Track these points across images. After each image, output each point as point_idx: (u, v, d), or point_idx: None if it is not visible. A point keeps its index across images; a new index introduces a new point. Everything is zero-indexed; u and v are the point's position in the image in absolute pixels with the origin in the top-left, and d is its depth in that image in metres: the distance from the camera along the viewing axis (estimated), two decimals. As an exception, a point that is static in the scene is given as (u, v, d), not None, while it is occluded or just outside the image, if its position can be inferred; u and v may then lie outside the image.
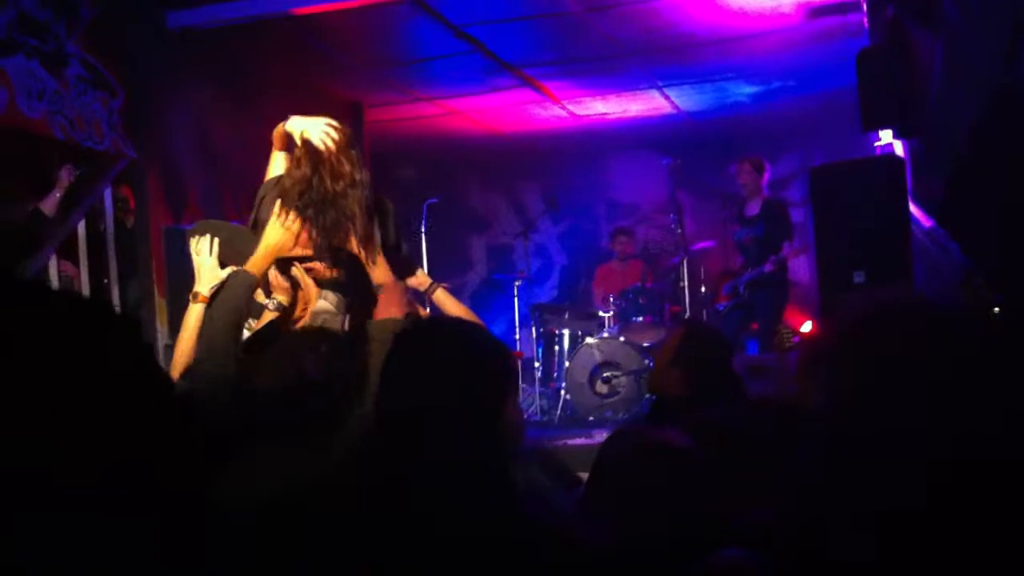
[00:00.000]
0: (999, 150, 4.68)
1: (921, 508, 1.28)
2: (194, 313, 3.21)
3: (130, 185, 6.59)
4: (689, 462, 1.89)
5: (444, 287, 3.57)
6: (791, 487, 1.55)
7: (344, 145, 3.14)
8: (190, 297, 3.28)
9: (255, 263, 3.13)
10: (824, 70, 8.08)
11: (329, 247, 3.13)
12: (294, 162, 3.19)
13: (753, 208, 7.83)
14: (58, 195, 5.85)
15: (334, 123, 3.18)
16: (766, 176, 7.90)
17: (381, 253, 3.25)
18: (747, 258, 7.82)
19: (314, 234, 3.12)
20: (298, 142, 3.17)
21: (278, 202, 3.17)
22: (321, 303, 3.01)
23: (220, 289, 3.19)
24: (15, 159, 6.01)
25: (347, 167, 3.12)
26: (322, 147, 3.11)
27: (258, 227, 3.29)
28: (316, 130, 3.14)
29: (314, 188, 3.11)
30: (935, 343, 1.33)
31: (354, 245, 3.14)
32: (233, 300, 3.07)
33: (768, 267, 7.48)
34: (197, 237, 3.35)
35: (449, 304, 3.51)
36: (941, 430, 1.28)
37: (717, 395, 2.91)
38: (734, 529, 1.72)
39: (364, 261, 3.16)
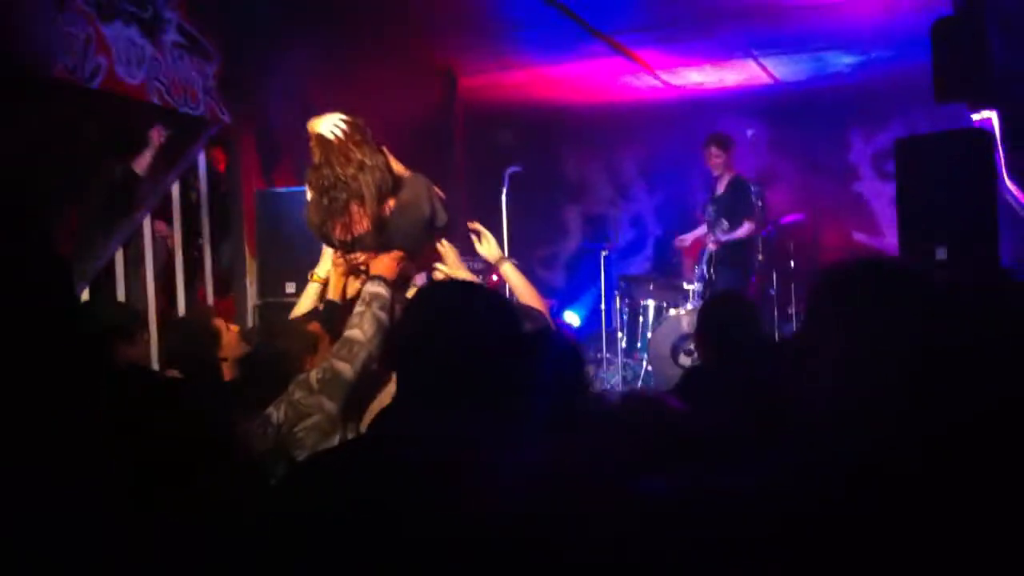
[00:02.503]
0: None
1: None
2: (310, 291, 3.63)
3: (224, 149, 6.81)
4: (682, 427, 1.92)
5: (512, 262, 3.71)
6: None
7: (351, 133, 3.43)
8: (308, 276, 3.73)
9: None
10: (925, 39, 7.83)
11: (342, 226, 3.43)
12: (311, 154, 3.50)
13: (722, 186, 7.85)
14: (149, 155, 6.09)
15: (344, 116, 3.48)
16: (733, 151, 7.90)
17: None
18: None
19: (326, 215, 3.43)
20: (312, 138, 3.46)
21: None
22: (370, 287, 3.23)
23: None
24: (111, 121, 6.27)
25: (356, 154, 3.39)
26: (331, 137, 3.40)
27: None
28: (327, 124, 3.43)
29: (325, 175, 3.39)
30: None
31: (365, 224, 3.40)
32: None
33: (722, 236, 7.55)
34: None
35: (513, 278, 3.64)
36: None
37: (741, 363, 2.92)
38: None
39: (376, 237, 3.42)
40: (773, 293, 7.85)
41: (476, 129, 9.80)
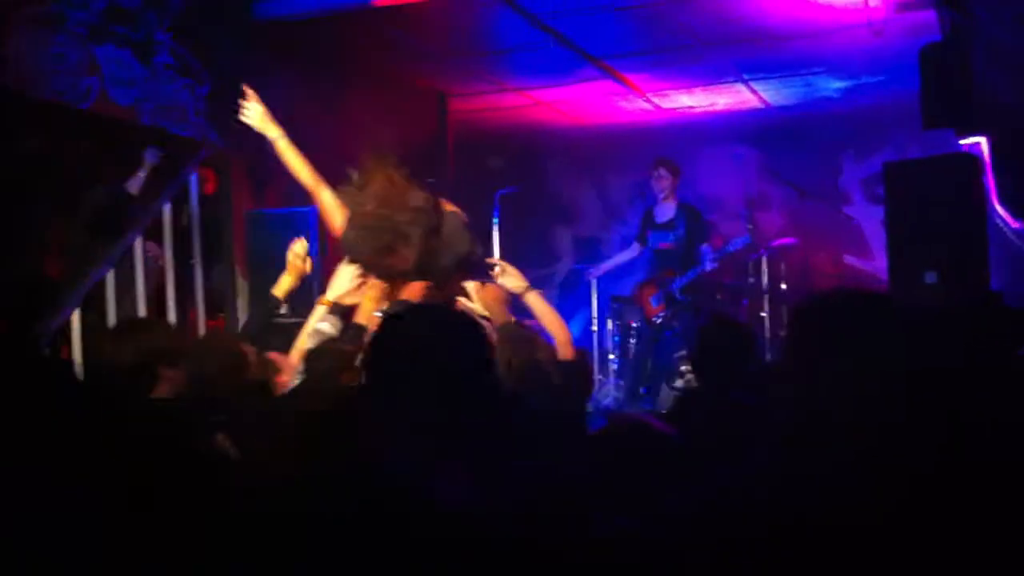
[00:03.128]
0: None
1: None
2: (316, 313, 3.89)
3: (215, 171, 6.81)
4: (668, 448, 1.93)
5: (538, 292, 3.89)
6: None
7: (405, 179, 3.93)
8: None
9: None
10: (914, 64, 7.88)
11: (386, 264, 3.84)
12: (360, 191, 4.04)
13: (667, 212, 7.71)
14: (143, 176, 6.08)
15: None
16: (680, 179, 7.80)
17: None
18: (668, 264, 7.71)
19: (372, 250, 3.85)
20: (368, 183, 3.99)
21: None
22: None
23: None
24: (103, 142, 6.26)
25: (412, 200, 3.86)
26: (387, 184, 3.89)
27: None
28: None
29: (379, 215, 3.88)
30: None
31: (410, 259, 3.83)
32: None
33: (708, 265, 7.48)
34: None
35: (539, 307, 3.79)
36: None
37: (737, 388, 2.91)
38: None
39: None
40: (765, 315, 7.85)
41: (467, 152, 9.81)
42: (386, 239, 3.80)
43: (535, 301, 3.77)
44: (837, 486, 1.51)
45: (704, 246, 7.59)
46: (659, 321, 7.77)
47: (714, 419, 2.20)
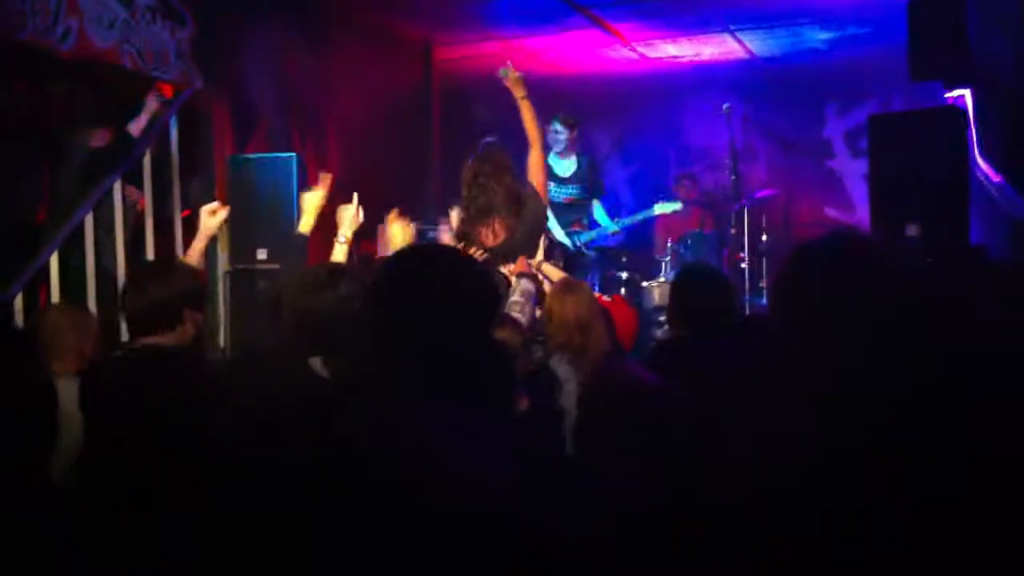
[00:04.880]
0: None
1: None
2: (337, 253, 4.00)
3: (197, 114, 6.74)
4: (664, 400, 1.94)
5: (551, 263, 4.63)
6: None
7: (504, 159, 4.77)
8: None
9: None
10: (902, 18, 7.86)
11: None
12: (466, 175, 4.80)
13: (568, 166, 7.51)
14: (145, 120, 6.01)
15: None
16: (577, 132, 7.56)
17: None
18: (568, 217, 7.51)
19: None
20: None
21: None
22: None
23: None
24: (98, 86, 6.20)
25: (505, 179, 4.66)
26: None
27: None
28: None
29: (477, 194, 4.64)
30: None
31: (503, 234, 4.58)
32: None
33: (609, 236, 7.62)
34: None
35: (553, 275, 4.39)
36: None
37: (715, 334, 2.92)
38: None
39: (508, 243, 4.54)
40: (745, 267, 7.87)
41: (453, 101, 9.74)
42: (484, 213, 4.56)
43: (549, 269, 4.45)
44: (831, 454, 1.48)
45: (595, 205, 7.59)
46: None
47: (694, 369, 2.20)
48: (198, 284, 3.30)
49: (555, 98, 10.97)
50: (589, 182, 7.53)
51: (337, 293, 2.68)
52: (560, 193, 7.45)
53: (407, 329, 1.74)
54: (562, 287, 3.88)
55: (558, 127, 7.35)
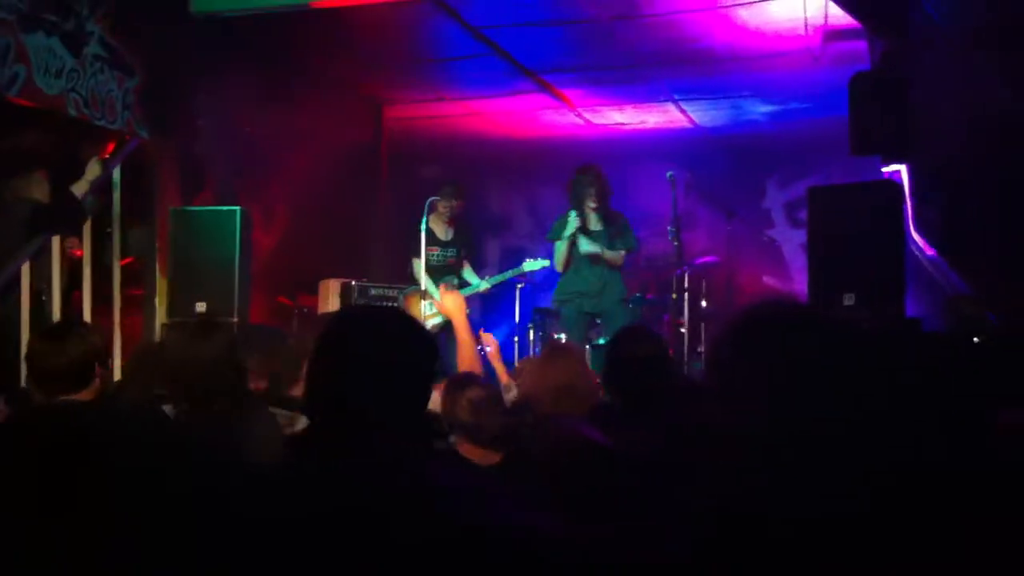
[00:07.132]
0: (992, 176, 4.70)
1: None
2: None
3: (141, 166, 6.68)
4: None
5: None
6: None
7: None
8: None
9: None
10: (843, 94, 8.07)
11: None
12: None
13: (449, 231, 7.91)
14: (86, 186, 5.87)
15: None
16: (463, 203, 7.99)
17: None
18: (443, 277, 7.79)
19: None
20: None
21: None
22: None
23: None
24: (38, 136, 6.11)
25: None
26: None
27: None
28: None
29: None
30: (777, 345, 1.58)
31: None
32: None
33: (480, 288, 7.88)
34: None
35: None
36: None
37: (651, 403, 2.86)
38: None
39: None
40: (684, 331, 7.93)
41: (401, 160, 9.80)
42: None
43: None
44: (787, 503, 1.50)
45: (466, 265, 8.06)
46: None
47: (644, 435, 2.21)
48: (102, 341, 3.62)
49: (503, 159, 11.08)
50: (467, 246, 8.11)
51: (211, 343, 2.99)
52: (444, 256, 7.91)
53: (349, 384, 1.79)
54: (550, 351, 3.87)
55: (453, 200, 7.75)
